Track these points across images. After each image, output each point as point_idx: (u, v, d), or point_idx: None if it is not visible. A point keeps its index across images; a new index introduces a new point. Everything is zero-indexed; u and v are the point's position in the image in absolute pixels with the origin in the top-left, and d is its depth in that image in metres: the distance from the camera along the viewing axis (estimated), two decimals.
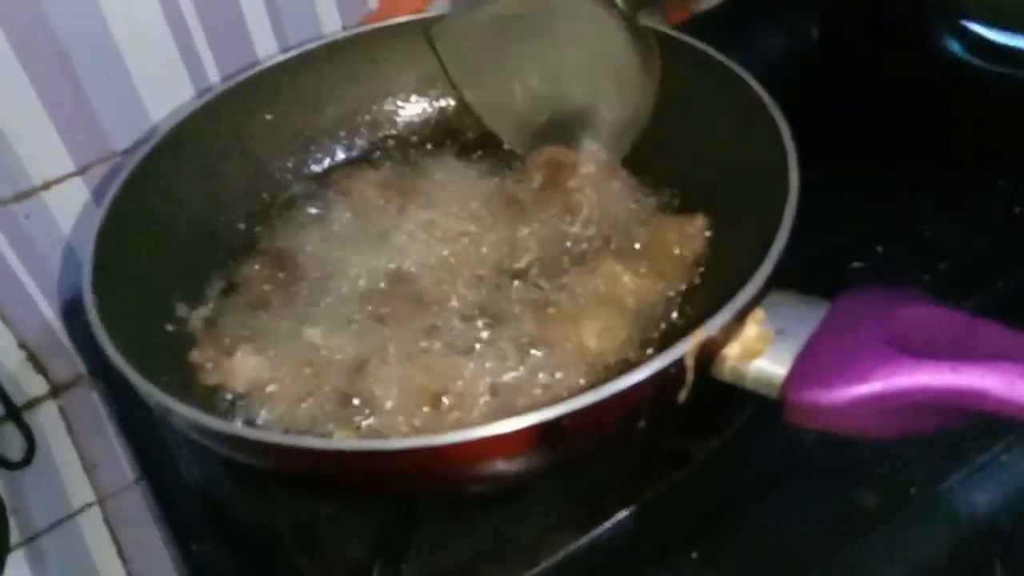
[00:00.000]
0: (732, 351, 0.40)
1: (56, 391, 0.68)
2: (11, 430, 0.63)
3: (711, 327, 0.38)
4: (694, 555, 0.45)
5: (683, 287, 0.50)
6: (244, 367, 0.48)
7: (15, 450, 0.63)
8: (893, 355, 0.36)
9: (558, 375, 0.46)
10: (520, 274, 0.53)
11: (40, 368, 0.67)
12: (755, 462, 0.49)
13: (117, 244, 0.49)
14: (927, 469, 0.46)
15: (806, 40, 0.77)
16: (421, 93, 0.64)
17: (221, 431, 0.38)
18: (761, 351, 0.40)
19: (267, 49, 0.64)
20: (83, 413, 0.67)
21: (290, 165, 0.61)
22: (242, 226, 0.58)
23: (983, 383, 0.33)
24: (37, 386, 0.67)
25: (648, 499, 0.47)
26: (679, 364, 0.38)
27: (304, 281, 0.53)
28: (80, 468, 0.65)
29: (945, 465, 0.46)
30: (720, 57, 0.53)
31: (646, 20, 0.51)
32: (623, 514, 0.46)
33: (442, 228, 0.55)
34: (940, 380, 0.34)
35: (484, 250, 0.54)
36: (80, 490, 0.64)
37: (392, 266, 0.54)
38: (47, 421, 0.67)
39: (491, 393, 0.46)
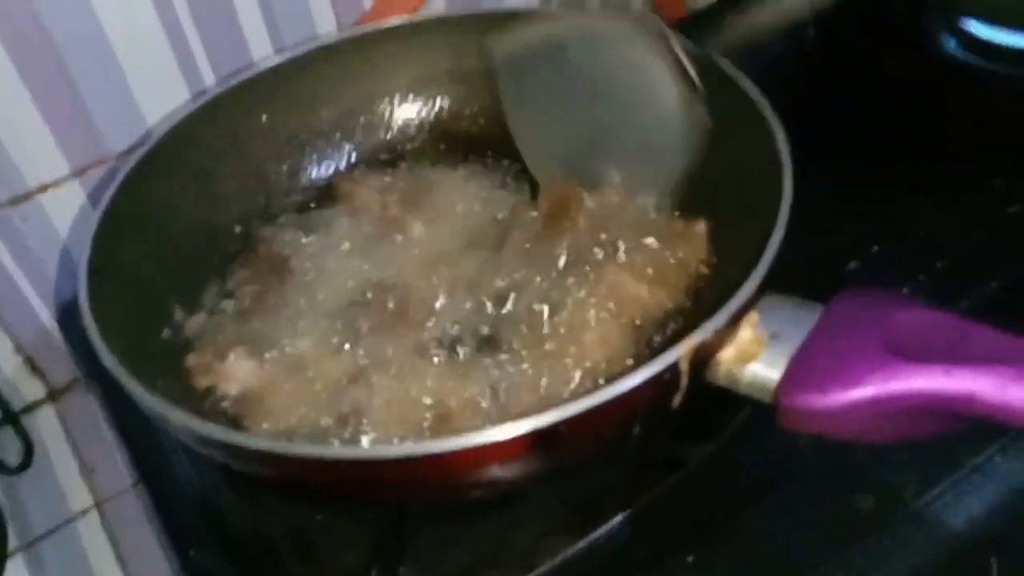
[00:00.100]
0: (726, 355, 0.40)
1: (54, 395, 0.68)
2: (9, 435, 0.63)
3: (705, 331, 0.38)
4: (689, 559, 0.45)
5: (686, 297, 0.50)
6: (237, 371, 0.48)
7: (13, 455, 0.63)
8: (886, 359, 0.36)
9: (555, 385, 0.46)
10: (517, 286, 0.52)
11: (37, 372, 0.67)
12: (750, 466, 0.49)
13: (113, 248, 0.49)
14: (922, 473, 0.46)
15: (803, 40, 0.77)
16: (417, 94, 0.64)
17: (215, 438, 0.38)
18: (755, 355, 0.40)
19: (262, 51, 0.64)
20: (81, 417, 0.67)
21: (286, 168, 0.61)
22: (238, 229, 0.58)
23: (975, 386, 0.33)
24: (35, 390, 0.67)
25: (644, 504, 0.46)
26: (673, 369, 0.38)
27: (298, 287, 0.53)
28: (78, 472, 0.65)
29: (940, 468, 0.46)
30: (715, 58, 0.53)
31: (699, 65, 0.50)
32: (619, 519, 0.46)
33: (440, 238, 0.55)
34: (933, 384, 0.34)
35: (481, 259, 0.53)
36: (78, 494, 0.64)
37: (386, 275, 0.53)
38: (45, 425, 0.67)
39: (481, 404, 0.46)
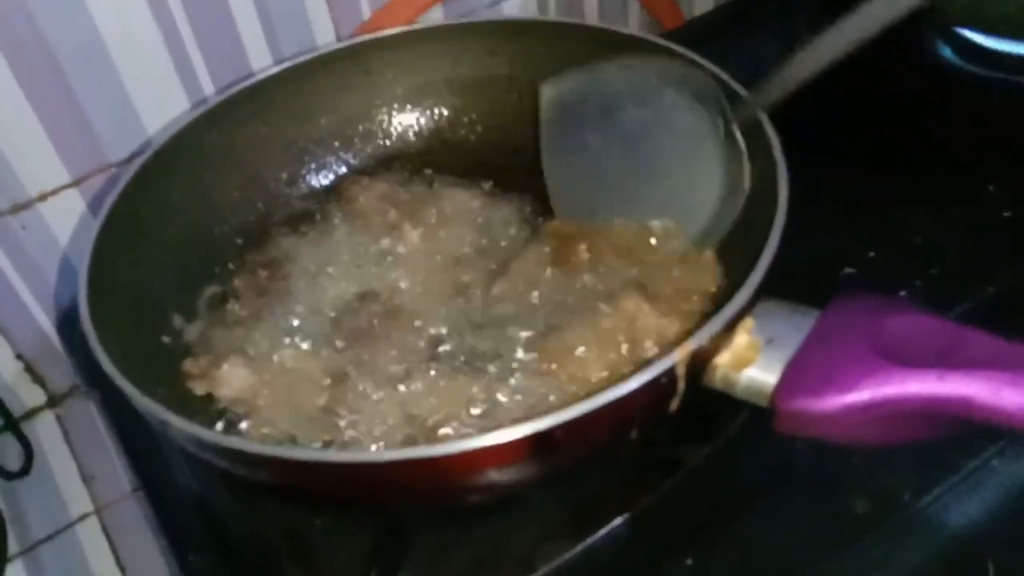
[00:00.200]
0: (723, 360, 0.40)
1: (53, 401, 0.68)
2: (9, 440, 0.64)
3: (701, 336, 0.38)
4: (688, 562, 0.45)
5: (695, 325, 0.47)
6: (233, 377, 0.48)
7: (13, 460, 0.63)
8: (881, 364, 0.36)
9: (549, 399, 0.46)
10: (509, 312, 0.52)
11: (37, 378, 0.67)
12: (748, 470, 0.49)
13: (112, 256, 0.49)
14: (919, 476, 0.46)
15: (797, 47, 0.77)
16: (415, 103, 0.64)
17: (214, 443, 0.38)
18: (752, 360, 0.40)
19: (261, 61, 0.64)
20: (80, 423, 0.67)
21: (284, 176, 0.62)
22: (237, 238, 0.58)
23: (969, 391, 0.33)
24: (35, 396, 0.67)
25: (642, 507, 0.47)
26: (670, 373, 0.38)
27: (295, 294, 0.54)
28: (78, 478, 0.65)
29: (936, 472, 0.46)
30: (710, 66, 0.54)
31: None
32: (617, 522, 0.46)
33: (438, 248, 0.56)
34: (927, 388, 0.34)
35: (476, 274, 0.54)
36: (78, 500, 0.64)
37: (379, 284, 0.54)
38: (45, 431, 0.67)
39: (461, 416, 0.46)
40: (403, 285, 0.54)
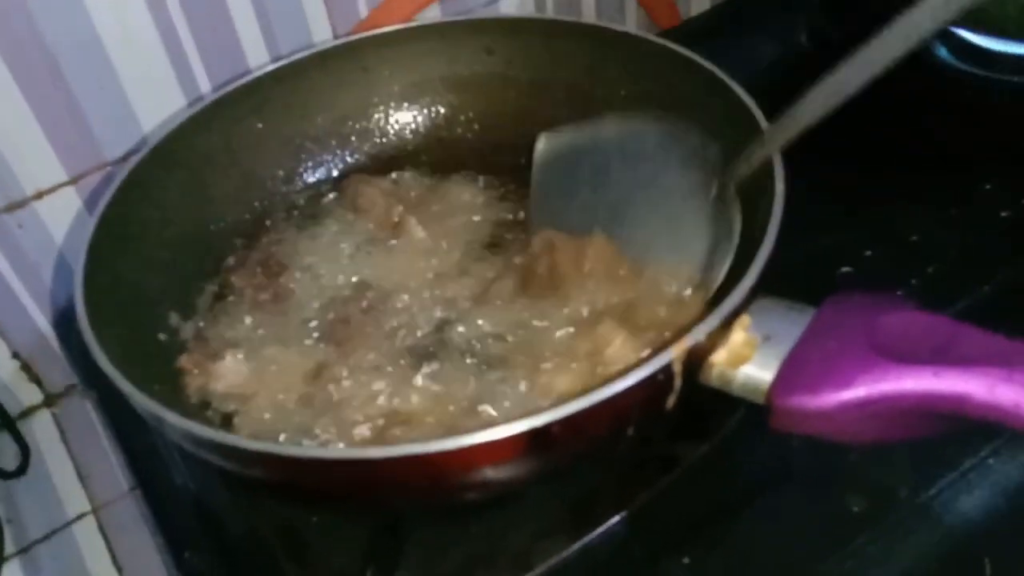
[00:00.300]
0: (719, 357, 0.40)
1: (50, 400, 0.68)
2: (5, 439, 0.64)
3: (698, 333, 0.38)
4: (685, 560, 0.45)
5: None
6: (229, 372, 0.48)
7: (9, 459, 0.63)
8: (877, 360, 0.36)
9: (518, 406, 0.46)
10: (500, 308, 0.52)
11: (34, 377, 0.67)
12: (745, 467, 0.49)
13: (109, 254, 0.49)
14: (915, 474, 0.47)
15: (794, 45, 0.77)
16: (412, 101, 0.64)
17: (211, 440, 0.38)
18: (748, 357, 0.40)
19: (258, 59, 0.64)
20: (77, 422, 0.67)
21: (281, 174, 0.61)
22: (234, 236, 0.58)
23: (965, 387, 0.33)
24: (31, 395, 0.67)
25: (639, 505, 0.47)
26: (667, 370, 0.38)
27: (292, 290, 0.54)
28: (74, 477, 0.65)
29: (934, 469, 0.46)
30: (706, 64, 0.54)
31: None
32: (614, 520, 0.46)
33: (441, 247, 0.56)
34: (923, 385, 0.34)
35: (469, 280, 0.54)
36: (74, 499, 0.64)
37: (381, 280, 0.54)
38: (41, 430, 0.67)
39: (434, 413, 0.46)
40: (401, 281, 0.54)
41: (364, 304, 0.52)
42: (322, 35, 0.66)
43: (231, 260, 0.57)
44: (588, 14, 0.78)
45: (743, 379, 0.40)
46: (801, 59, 0.76)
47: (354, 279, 0.54)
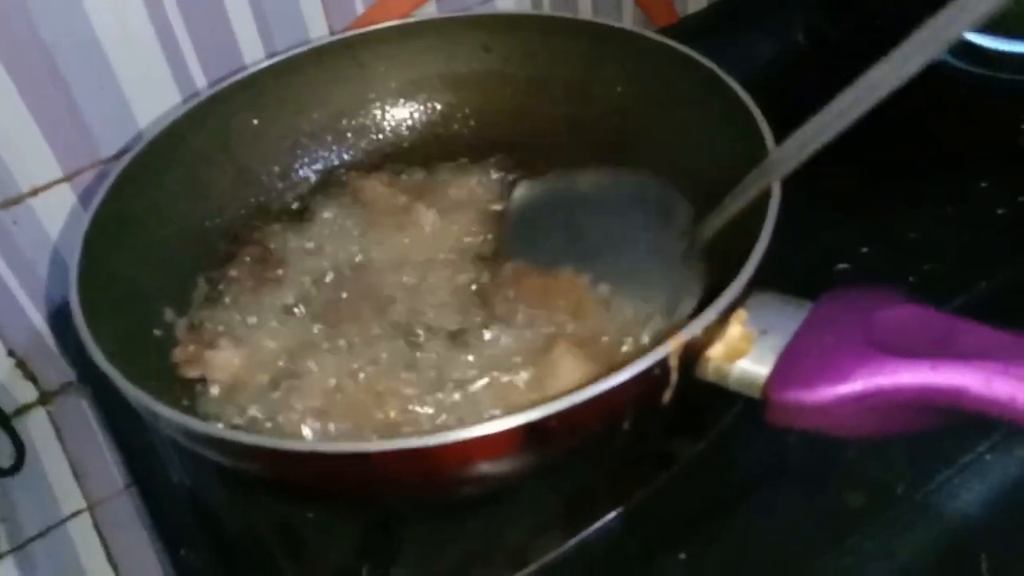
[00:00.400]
0: (716, 351, 0.40)
1: (45, 398, 0.68)
2: (0, 437, 0.63)
3: (694, 327, 0.38)
4: (681, 556, 0.45)
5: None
6: (223, 361, 0.48)
7: (4, 457, 0.63)
8: (874, 355, 0.36)
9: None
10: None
11: (29, 375, 0.67)
12: (741, 463, 0.49)
13: (103, 250, 0.49)
14: (913, 469, 0.47)
15: (791, 43, 0.77)
16: (408, 97, 0.64)
17: (205, 434, 0.38)
18: (745, 351, 0.40)
19: (254, 55, 0.64)
20: (73, 420, 0.67)
21: (277, 170, 0.61)
22: (229, 231, 0.58)
23: (961, 381, 0.33)
24: (26, 393, 0.67)
25: (635, 501, 0.47)
26: (663, 365, 0.38)
27: (285, 280, 0.54)
28: (70, 475, 0.65)
29: (931, 465, 0.46)
30: (704, 61, 0.54)
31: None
32: (611, 516, 0.46)
33: (448, 235, 0.56)
34: (920, 379, 0.34)
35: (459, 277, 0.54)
36: (70, 497, 0.64)
37: (364, 266, 0.54)
38: (36, 428, 0.67)
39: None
40: (398, 266, 0.54)
41: (361, 292, 0.52)
42: (318, 31, 0.66)
43: (226, 255, 0.57)
44: (585, 11, 0.78)
45: (739, 373, 0.40)
46: (798, 57, 0.77)
47: (350, 262, 0.55)
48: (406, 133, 0.64)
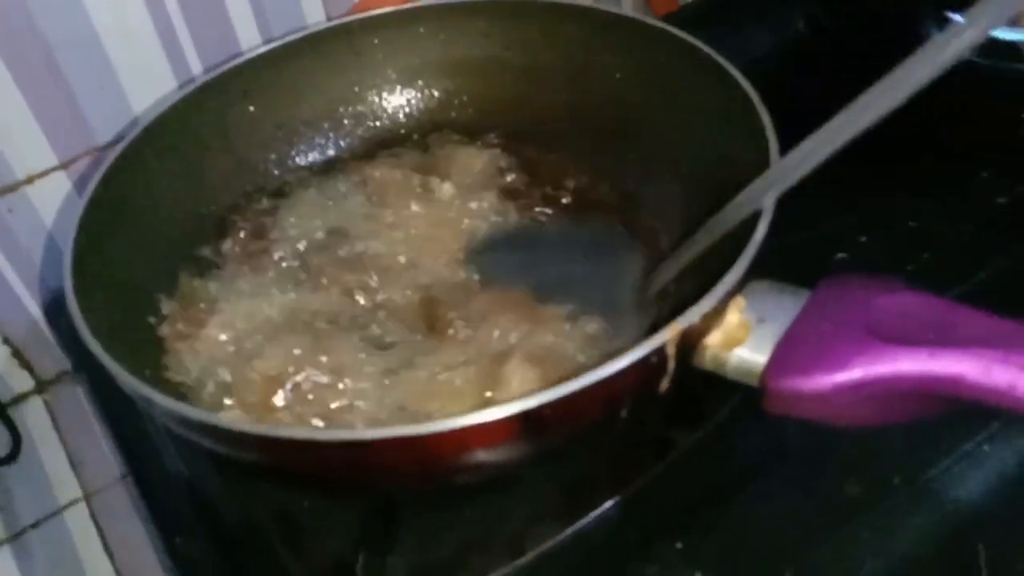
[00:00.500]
0: (713, 340, 0.40)
1: (41, 387, 0.68)
2: None
3: (692, 315, 0.38)
4: (679, 545, 0.45)
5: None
6: (214, 337, 0.49)
7: (1, 446, 0.63)
8: (872, 342, 0.36)
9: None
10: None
11: (25, 364, 0.66)
12: (740, 452, 0.49)
13: (98, 237, 0.48)
14: (911, 458, 0.46)
15: (792, 32, 0.77)
16: (405, 85, 0.64)
17: (199, 420, 0.38)
18: (742, 339, 0.40)
19: (250, 41, 0.64)
20: (69, 409, 0.67)
21: (274, 157, 0.61)
22: (226, 220, 0.58)
23: (960, 368, 0.33)
24: (22, 382, 0.67)
25: (633, 490, 0.47)
26: (660, 352, 0.38)
27: (275, 254, 0.55)
28: (66, 464, 0.65)
29: (929, 454, 0.46)
30: (705, 49, 0.53)
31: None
32: (608, 505, 0.46)
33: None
34: (918, 366, 0.34)
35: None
36: (66, 486, 0.64)
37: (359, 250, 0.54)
38: (33, 417, 0.67)
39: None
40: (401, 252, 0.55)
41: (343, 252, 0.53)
42: (316, 17, 0.66)
43: (221, 242, 0.56)
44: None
45: (737, 362, 0.40)
46: (798, 46, 0.76)
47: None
48: (403, 120, 0.64)
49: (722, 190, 0.50)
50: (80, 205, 0.49)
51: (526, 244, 0.55)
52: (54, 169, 0.61)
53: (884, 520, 0.45)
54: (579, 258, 0.55)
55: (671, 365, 0.39)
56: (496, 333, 0.48)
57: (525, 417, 0.36)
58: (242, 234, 0.56)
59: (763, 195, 0.40)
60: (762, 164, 0.45)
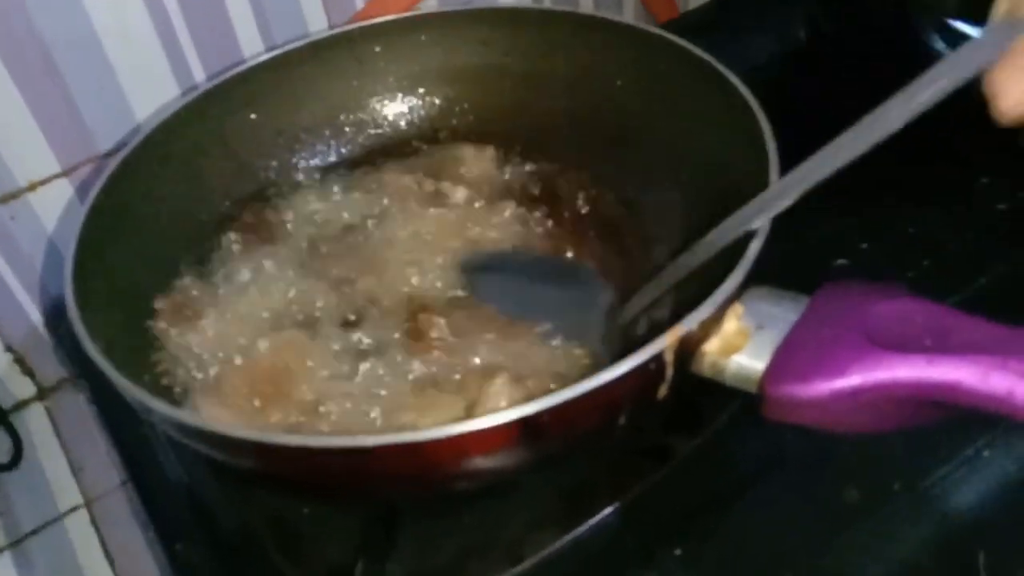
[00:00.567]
0: (712, 346, 0.40)
1: (43, 393, 0.68)
2: None
3: (690, 322, 0.38)
4: (678, 552, 0.45)
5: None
6: (209, 327, 0.49)
7: (2, 452, 0.63)
8: (870, 349, 0.35)
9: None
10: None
11: (27, 370, 0.67)
12: (739, 458, 0.49)
13: (99, 244, 0.48)
14: (910, 465, 0.46)
15: (792, 39, 0.77)
16: (406, 92, 0.64)
17: (197, 427, 0.38)
18: (741, 346, 0.39)
19: (253, 49, 0.64)
20: (70, 415, 0.67)
21: (275, 164, 0.61)
22: (227, 227, 0.58)
23: (957, 375, 0.33)
24: (24, 388, 0.67)
25: (632, 496, 0.47)
26: (659, 359, 0.38)
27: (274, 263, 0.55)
28: (67, 470, 0.65)
29: (928, 460, 0.46)
30: (704, 56, 0.53)
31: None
32: (607, 511, 0.46)
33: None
34: (915, 373, 0.34)
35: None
36: (67, 492, 0.64)
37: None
38: (34, 423, 0.67)
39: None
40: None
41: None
42: (318, 25, 0.66)
43: (221, 247, 0.57)
44: (586, 5, 0.78)
45: (735, 368, 0.40)
46: (799, 53, 0.76)
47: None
48: (404, 127, 0.64)
49: (722, 197, 0.50)
50: (82, 212, 0.49)
51: (518, 265, 0.55)
52: (56, 176, 0.61)
53: (884, 526, 0.45)
54: (567, 282, 0.54)
55: (669, 372, 0.39)
56: (479, 349, 0.49)
57: (524, 424, 0.36)
58: (242, 238, 0.56)
59: (751, 220, 0.40)
60: (762, 171, 0.45)
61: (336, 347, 0.50)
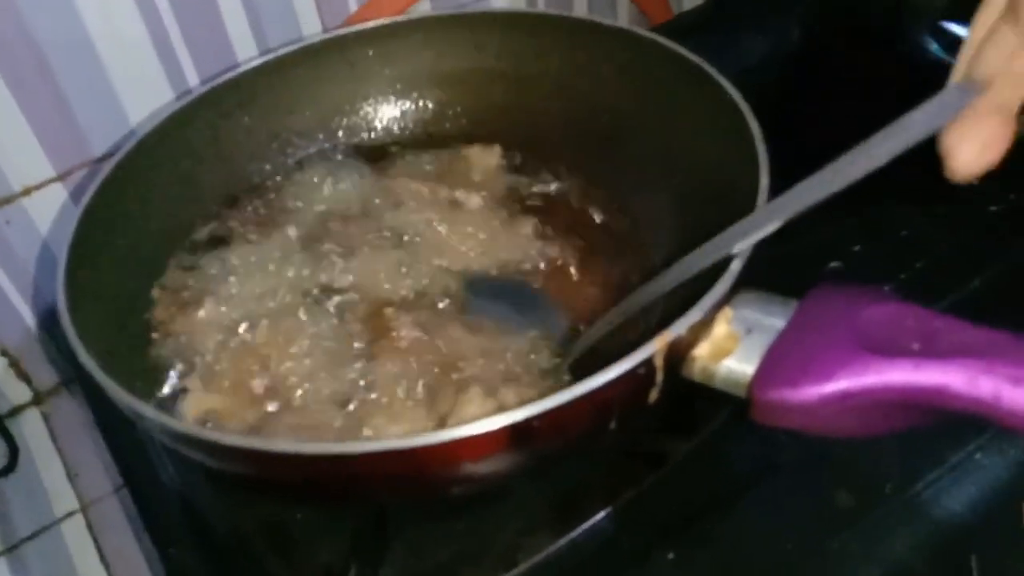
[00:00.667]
0: (702, 351, 0.40)
1: (39, 398, 0.68)
2: None
3: (679, 327, 0.38)
4: (671, 556, 0.45)
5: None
6: (206, 319, 0.50)
7: None
8: (859, 353, 0.35)
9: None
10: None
11: (23, 375, 0.67)
12: (732, 462, 0.49)
13: (92, 249, 0.48)
14: (903, 468, 0.47)
15: (786, 42, 0.77)
16: (399, 96, 0.64)
17: (188, 435, 0.38)
18: (730, 350, 0.39)
19: (247, 53, 0.64)
20: (66, 420, 0.67)
21: (268, 168, 0.61)
22: (218, 226, 0.58)
23: (945, 379, 0.33)
24: (20, 393, 0.67)
25: (626, 500, 0.47)
26: (648, 364, 0.38)
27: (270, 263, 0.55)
28: (63, 475, 0.65)
29: (920, 464, 0.46)
30: (694, 59, 0.53)
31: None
32: (600, 516, 0.46)
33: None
34: (904, 377, 0.34)
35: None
36: (63, 498, 0.64)
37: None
38: (30, 428, 0.67)
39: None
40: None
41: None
42: (311, 29, 0.66)
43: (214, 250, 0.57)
44: (580, 9, 0.78)
45: (725, 372, 0.40)
46: (793, 55, 0.76)
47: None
48: (397, 131, 0.64)
49: (714, 199, 0.50)
50: (74, 217, 0.49)
51: (515, 289, 0.55)
52: (50, 181, 0.61)
53: (877, 530, 0.45)
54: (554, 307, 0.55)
55: (659, 376, 0.39)
56: (458, 362, 0.49)
57: (514, 429, 0.36)
58: (237, 240, 0.56)
59: (726, 250, 0.40)
60: (752, 174, 0.45)
61: (328, 344, 0.50)
